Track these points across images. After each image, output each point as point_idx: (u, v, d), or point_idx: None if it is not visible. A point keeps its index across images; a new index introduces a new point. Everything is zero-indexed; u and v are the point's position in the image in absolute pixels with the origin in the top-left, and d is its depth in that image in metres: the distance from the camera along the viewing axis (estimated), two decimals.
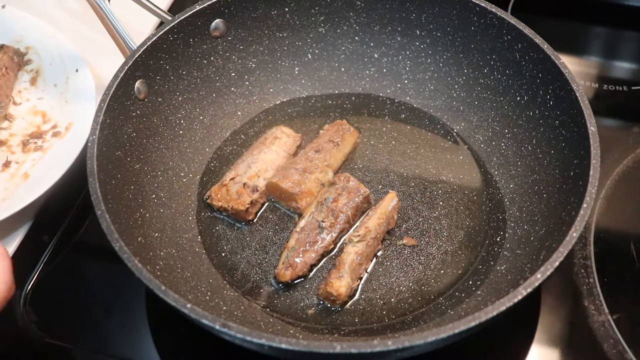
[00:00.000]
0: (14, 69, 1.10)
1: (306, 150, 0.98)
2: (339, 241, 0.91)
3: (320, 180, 0.95)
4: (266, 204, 0.96)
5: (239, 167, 0.97)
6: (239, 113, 1.06)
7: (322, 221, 0.89)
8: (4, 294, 0.74)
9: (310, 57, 1.07)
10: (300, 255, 0.87)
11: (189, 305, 0.68)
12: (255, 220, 0.94)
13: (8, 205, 0.92)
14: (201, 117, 1.02)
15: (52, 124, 1.05)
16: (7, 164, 1.01)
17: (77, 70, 1.08)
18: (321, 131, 1.02)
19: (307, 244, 0.88)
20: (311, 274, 0.88)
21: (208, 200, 0.95)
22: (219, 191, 0.94)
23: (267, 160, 0.97)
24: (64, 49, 1.10)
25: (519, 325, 0.86)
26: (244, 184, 0.94)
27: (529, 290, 0.69)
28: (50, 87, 1.09)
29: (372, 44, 1.07)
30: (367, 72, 1.08)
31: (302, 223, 0.90)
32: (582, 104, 0.83)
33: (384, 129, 1.04)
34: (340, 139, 0.99)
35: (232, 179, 0.95)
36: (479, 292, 0.84)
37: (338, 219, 0.89)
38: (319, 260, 0.89)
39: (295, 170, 0.94)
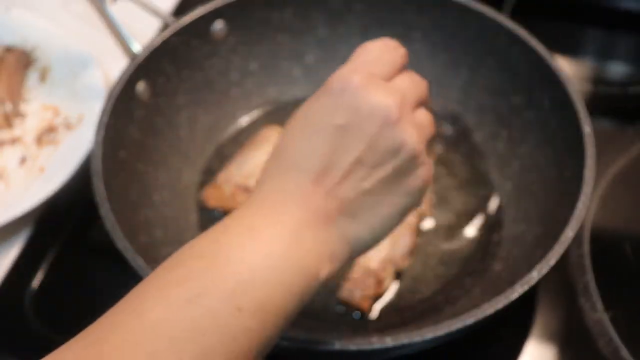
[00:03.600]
0: (22, 68, 1.11)
1: None
2: None
3: None
4: None
5: (231, 167, 0.98)
6: (240, 114, 1.07)
7: None
8: None
9: (310, 59, 1.08)
10: None
11: None
12: None
13: (27, 198, 0.94)
14: (203, 118, 1.03)
15: (63, 117, 1.07)
16: (23, 160, 1.03)
17: (82, 64, 1.09)
18: None
19: None
20: None
21: (202, 201, 0.96)
22: (213, 192, 0.95)
23: (257, 161, 0.98)
24: (68, 44, 1.12)
25: (515, 322, 0.87)
26: (237, 184, 0.95)
27: (525, 288, 0.70)
28: (58, 82, 1.11)
29: None
30: None
31: None
32: (577, 105, 0.84)
33: None
34: None
35: (225, 179, 0.96)
36: (476, 290, 0.85)
37: None
38: None
39: None
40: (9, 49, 1.12)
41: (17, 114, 1.08)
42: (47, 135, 1.05)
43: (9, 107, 1.06)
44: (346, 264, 0.60)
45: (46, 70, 1.13)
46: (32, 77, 1.13)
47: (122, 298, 0.52)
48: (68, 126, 1.05)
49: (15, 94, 1.09)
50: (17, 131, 1.07)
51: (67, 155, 0.99)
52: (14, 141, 1.05)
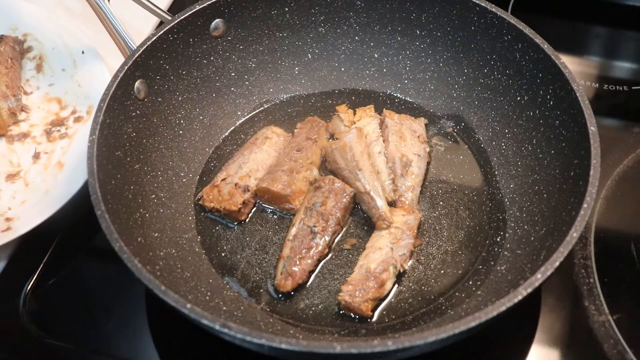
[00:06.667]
0: (17, 58, 1.09)
1: (287, 150, 0.98)
2: (333, 244, 0.91)
3: (308, 179, 0.95)
4: (259, 204, 0.96)
5: (230, 167, 0.97)
6: (239, 113, 1.06)
7: (314, 226, 0.89)
8: None
9: (310, 56, 1.07)
10: (298, 263, 0.87)
11: (188, 306, 0.68)
12: (248, 220, 0.94)
13: (55, 196, 0.92)
14: (201, 117, 1.02)
15: (70, 109, 1.05)
16: (36, 156, 1.01)
17: (83, 52, 1.07)
18: (295, 130, 1.02)
19: (303, 251, 0.88)
20: (310, 280, 0.88)
21: (200, 202, 0.95)
22: (211, 192, 0.94)
23: (258, 160, 0.97)
24: (64, 33, 1.10)
25: (519, 325, 0.86)
26: (236, 184, 0.94)
27: (529, 290, 0.69)
28: (58, 72, 1.09)
29: (372, 44, 1.07)
30: (367, 71, 1.08)
31: (293, 231, 0.90)
32: (582, 104, 0.83)
33: None
34: (316, 135, 0.99)
35: (223, 179, 0.95)
36: (479, 292, 0.84)
37: (329, 222, 0.89)
38: (316, 266, 0.89)
39: (283, 172, 0.94)
40: (0, 39, 1.08)
41: (22, 107, 1.06)
42: (56, 128, 1.04)
43: (12, 101, 1.04)
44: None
45: (42, 59, 1.11)
46: (28, 67, 1.10)
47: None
48: (78, 119, 1.04)
49: (16, 87, 1.06)
50: (23, 126, 1.05)
51: (84, 150, 0.96)
52: (23, 137, 1.04)
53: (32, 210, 0.91)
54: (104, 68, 1.04)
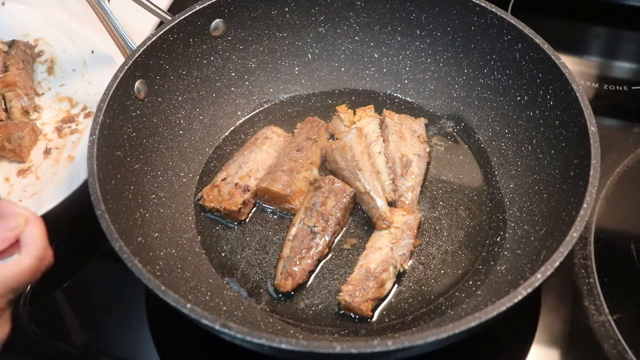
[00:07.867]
0: (29, 61, 1.12)
1: (287, 150, 0.98)
2: (333, 244, 0.91)
3: (308, 179, 0.95)
4: (259, 204, 0.96)
5: (230, 167, 0.97)
6: (239, 113, 1.06)
7: (314, 226, 0.89)
8: (43, 263, 0.72)
9: (310, 56, 1.07)
10: (298, 263, 0.87)
11: (188, 306, 0.68)
12: (248, 220, 0.94)
13: (66, 185, 0.94)
14: (201, 117, 1.02)
15: (81, 106, 1.07)
16: (47, 151, 1.03)
17: (92, 52, 1.09)
18: (295, 130, 1.02)
19: (303, 251, 0.88)
20: (310, 280, 0.88)
21: (200, 202, 0.94)
22: (211, 192, 0.94)
23: (258, 160, 0.97)
24: (74, 35, 1.12)
25: (519, 325, 0.86)
26: (236, 184, 0.94)
27: (529, 290, 0.69)
28: (69, 73, 1.11)
29: (372, 44, 1.07)
30: (367, 71, 1.08)
31: (293, 230, 0.90)
32: (582, 104, 0.83)
33: None
34: (316, 135, 0.99)
35: (223, 179, 0.95)
36: (479, 292, 0.84)
37: (329, 222, 0.89)
38: (316, 266, 0.89)
39: (283, 172, 0.94)
40: (12, 43, 1.11)
41: (34, 107, 1.08)
42: (66, 125, 1.05)
43: (25, 100, 1.06)
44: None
45: (53, 62, 1.13)
46: (40, 70, 1.13)
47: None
48: (89, 114, 1.05)
49: (28, 87, 1.08)
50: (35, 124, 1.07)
51: None
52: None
53: (44, 199, 0.92)
54: (114, 65, 1.05)
